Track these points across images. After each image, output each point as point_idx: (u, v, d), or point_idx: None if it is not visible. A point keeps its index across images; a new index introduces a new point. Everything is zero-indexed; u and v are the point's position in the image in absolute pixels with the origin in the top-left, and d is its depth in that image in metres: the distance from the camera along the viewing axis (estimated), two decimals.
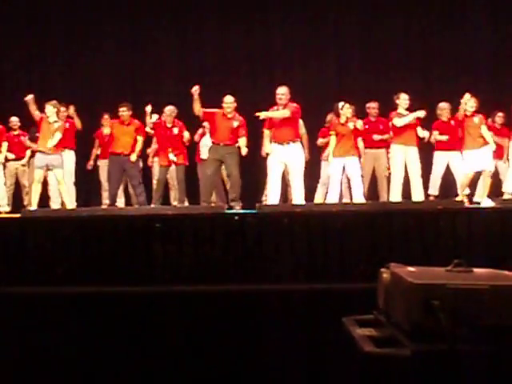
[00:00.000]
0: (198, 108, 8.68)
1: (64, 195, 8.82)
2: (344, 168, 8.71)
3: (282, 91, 8.45)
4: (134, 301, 6.41)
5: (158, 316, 6.30)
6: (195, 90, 8.60)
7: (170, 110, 9.37)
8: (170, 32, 11.84)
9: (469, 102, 8.59)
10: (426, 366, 2.44)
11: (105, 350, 6.25)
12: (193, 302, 6.34)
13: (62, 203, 8.92)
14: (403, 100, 8.91)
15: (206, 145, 9.45)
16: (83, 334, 6.27)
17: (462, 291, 2.49)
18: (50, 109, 8.77)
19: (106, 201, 9.47)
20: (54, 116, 8.79)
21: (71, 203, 8.93)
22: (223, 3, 11.74)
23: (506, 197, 8.79)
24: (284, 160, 8.45)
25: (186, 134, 9.49)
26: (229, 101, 8.73)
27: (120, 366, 6.21)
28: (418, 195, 8.69)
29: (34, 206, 8.62)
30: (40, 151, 8.75)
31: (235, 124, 8.72)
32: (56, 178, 8.87)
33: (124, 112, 9.12)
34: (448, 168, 9.13)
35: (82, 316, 6.32)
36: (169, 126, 9.32)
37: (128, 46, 11.88)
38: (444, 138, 9.02)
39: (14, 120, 9.84)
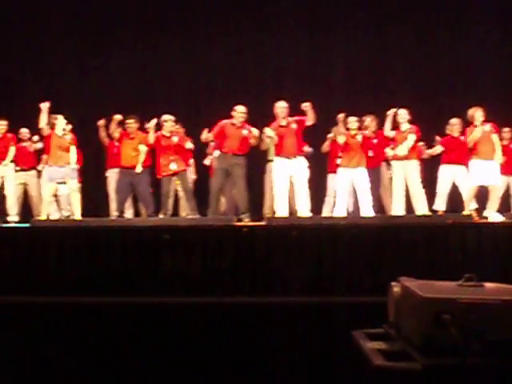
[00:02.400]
0: (208, 136, 8.85)
1: (76, 205, 8.85)
2: (352, 180, 8.73)
3: (282, 105, 8.54)
4: (141, 311, 6.41)
5: (165, 327, 6.29)
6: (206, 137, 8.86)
7: (166, 118, 9.14)
8: (177, 42, 11.86)
9: (476, 115, 8.52)
10: (437, 379, 2.44)
11: (112, 360, 6.24)
12: (201, 314, 6.33)
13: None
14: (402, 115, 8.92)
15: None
16: (91, 343, 6.27)
17: (472, 306, 2.49)
18: (59, 122, 8.82)
19: (114, 212, 9.46)
20: (61, 129, 8.84)
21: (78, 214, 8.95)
22: (232, 13, 11.76)
23: None
24: (289, 173, 8.46)
25: (189, 145, 9.39)
26: (242, 110, 8.69)
27: (127, 376, 6.20)
28: (421, 208, 8.65)
29: (43, 217, 8.68)
30: (52, 165, 8.82)
31: (245, 132, 8.70)
32: (70, 188, 8.92)
33: (131, 124, 9.04)
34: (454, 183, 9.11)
35: (90, 326, 6.32)
36: (167, 134, 9.13)
37: (136, 56, 11.91)
38: (437, 150, 9.08)
39: (24, 131, 9.88)
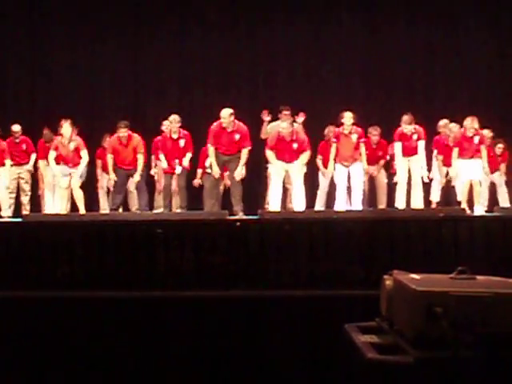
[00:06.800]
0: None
1: (80, 201, 8.92)
2: (349, 175, 8.79)
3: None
4: (135, 306, 6.41)
5: (159, 321, 6.30)
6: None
7: (173, 119, 9.00)
8: (171, 40, 11.79)
9: (470, 125, 8.57)
10: (429, 373, 2.44)
11: (105, 354, 6.24)
12: (194, 308, 6.34)
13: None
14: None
15: None
16: (84, 338, 6.27)
17: (464, 298, 2.49)
18: (65, 130, 8.86)
19: (106, 210, 9.45)
20: (68, 135, 8.88)
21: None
22: (225, 11, 11.70)
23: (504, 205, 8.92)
24: (286, 167, 8.49)
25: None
26: (225, 115, 8.45)
27: (121, 370, 6.20)
28: (417, 203, 8.72)
29: (64, 211, 8.82)
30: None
31: (237, 137, 8.54)
32: (72, 184, 8.92)
33: (123, 133, 8.86)
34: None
35: (83, 320, 6.32)
36: (174, 137, 9.05)
37: (129, 57, 11.79)
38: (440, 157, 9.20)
39: (16, 128, 9.86)
